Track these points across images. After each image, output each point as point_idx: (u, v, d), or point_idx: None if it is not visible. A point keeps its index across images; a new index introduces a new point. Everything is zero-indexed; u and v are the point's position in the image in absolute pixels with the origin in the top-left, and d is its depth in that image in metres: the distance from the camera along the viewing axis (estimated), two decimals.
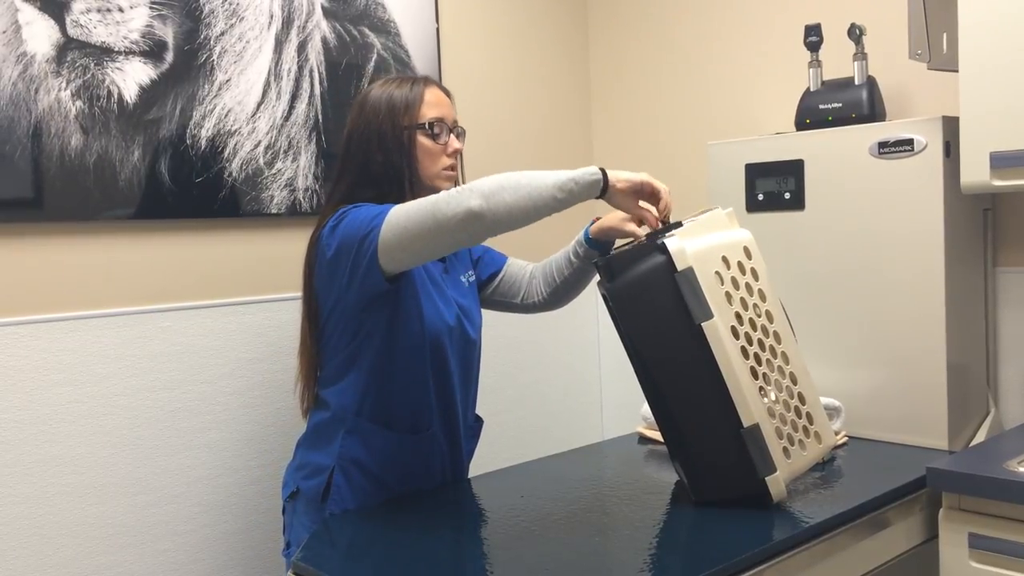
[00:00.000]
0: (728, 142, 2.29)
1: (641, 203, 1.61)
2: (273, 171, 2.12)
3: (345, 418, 1.69)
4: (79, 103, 1.83)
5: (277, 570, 2.12)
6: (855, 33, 2.10)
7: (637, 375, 1.62)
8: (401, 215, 1.51)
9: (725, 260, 1.54)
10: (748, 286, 1.56)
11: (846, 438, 2.03)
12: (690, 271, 1.50)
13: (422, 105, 1.71)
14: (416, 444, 1.72)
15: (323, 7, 2.20)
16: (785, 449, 1.56)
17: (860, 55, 2.10)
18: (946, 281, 1.92)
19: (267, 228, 2.13)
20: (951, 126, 1.90)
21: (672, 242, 1.52)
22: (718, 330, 1.50)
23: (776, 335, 1.58)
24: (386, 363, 1.67)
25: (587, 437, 2.73)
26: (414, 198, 1.62)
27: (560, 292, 1.93)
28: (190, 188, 1.99)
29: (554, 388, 2.74)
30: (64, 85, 1.81)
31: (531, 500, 1.68)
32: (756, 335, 1.55)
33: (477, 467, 1.93)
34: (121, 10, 1.88)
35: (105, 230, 1.89)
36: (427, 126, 1.70)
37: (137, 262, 1.94)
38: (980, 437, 2.00)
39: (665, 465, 1.90)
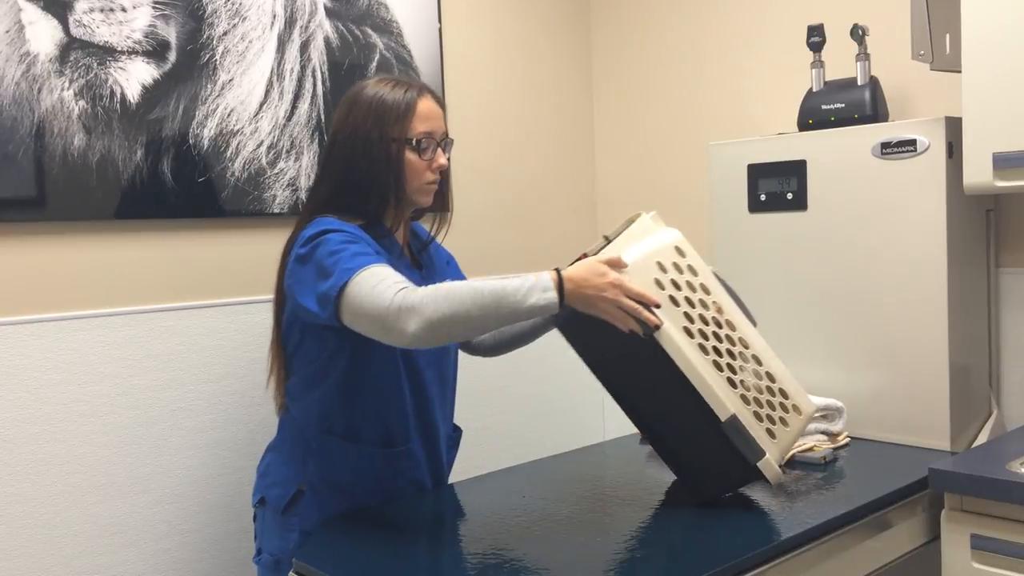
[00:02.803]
0: (730, 142, 2.28)
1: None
2: (275, 171, 2.12)
3: (312, 436, 1.66)
4: (82, 103, 1.83)
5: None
6: (858, 33, 2.10)
7: (614, 398, 1.63)
8: (356, 297, 1.45)
9: (660, 265, 1.53)
10: (689, 284, 1.55)
11: (848, 439, 2.03)
12: None
13: (413, 118, 1.63)
14: (391, 459, 1.68)
15: (326, 7, 2.20)
16: (769, 430, 1.56)
17: (863, 55, 2.10)
18: (948, 282, 1.92)
19: (269, 228, 2.13)
20: (954, 127, 1.89)
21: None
22: (671, 336, 1.50)
23: (729, 323, 1.57)
24: (356, 380, 1.63)
25: (588, 438, 2.73)
26: (395, 209, 1.66)
27: (506, 342, 1.87)
28: (192, 188, 1.99)
29: (555, 389, 2.74)
30: (67, 85, 1.81)
31: (532, 500, 1.68)
32: (710, 329, 1.55)
33: (479, 467, 1.94)
34: (124, 10, 1.88)
35: (107, 229, 1.90)
36: (415, 142, 1.64)
37: (139, 261, 1.94)
38: (982, 438, 2.00)
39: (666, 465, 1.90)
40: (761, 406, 1.56)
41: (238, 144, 2.06)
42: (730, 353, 1.55)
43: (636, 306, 1.47)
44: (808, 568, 1.52)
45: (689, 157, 2.66)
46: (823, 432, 1.99)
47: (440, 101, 1.71)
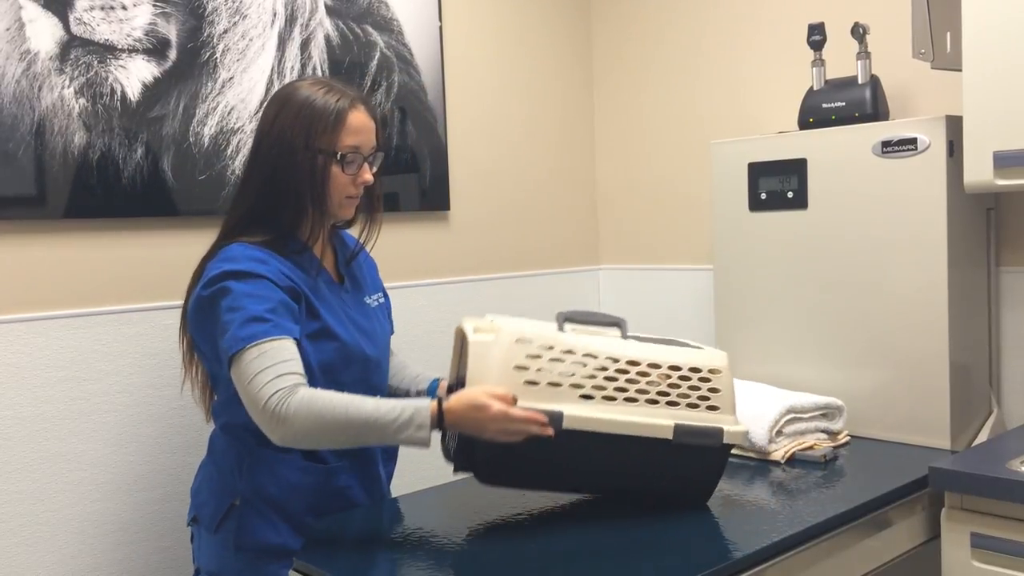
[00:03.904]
0: (731, 141, 2.28)
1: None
2: None
3: (244, 450, 1.60)
4: (82, 101, 1.83)
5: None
6: (858, 32, 2.09)
7: (571, 492, 1.61)
8: (239, 377, 1.44)
9: (519, 367, 1.48)
10: (554, 359, 1.50)
11: (848, 437, 2.03)
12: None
13: (341, 131, 1.57)
14: (323, 474, 1.61)
15: (326, 5, 2.20)
16: (709, 407, 1.54)
17: (863, 54, 2.10)
18: (949, 281, 1.92)
19: None
20: (954, 125, 1.89)
21: None
22: (577, 415, 1.47)
23: (611, 359, 1.52)
24: None
25: None
26: (312, 222, 1.60)
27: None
28: (193, 186, 1.99)
29: None
30: (67, 83, 1.81)
31: (533, 498, 1.68)
32: (600, 377, 1.51)
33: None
34: (124, 8, 1.88)
35: (108, 228, 1.90)
36: (340, 156, 1.57)
37: (140, 259, 1.94)
38: (983, 437, 2.00)
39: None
40: (688, 396, 1.54)
41: (239, 142, 2.06)
42: (630, 381, 1.52)
43: (523, 428, 1.44)
44: (808, 566, 1.52)
45: (690, 156, 2.66)
46: (823, 431, 1.99)
47: (374, 114, 1.65)
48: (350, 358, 1.61)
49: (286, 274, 1.55)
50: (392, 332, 1.83)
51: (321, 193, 1.58)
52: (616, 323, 1.61)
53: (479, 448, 1.49)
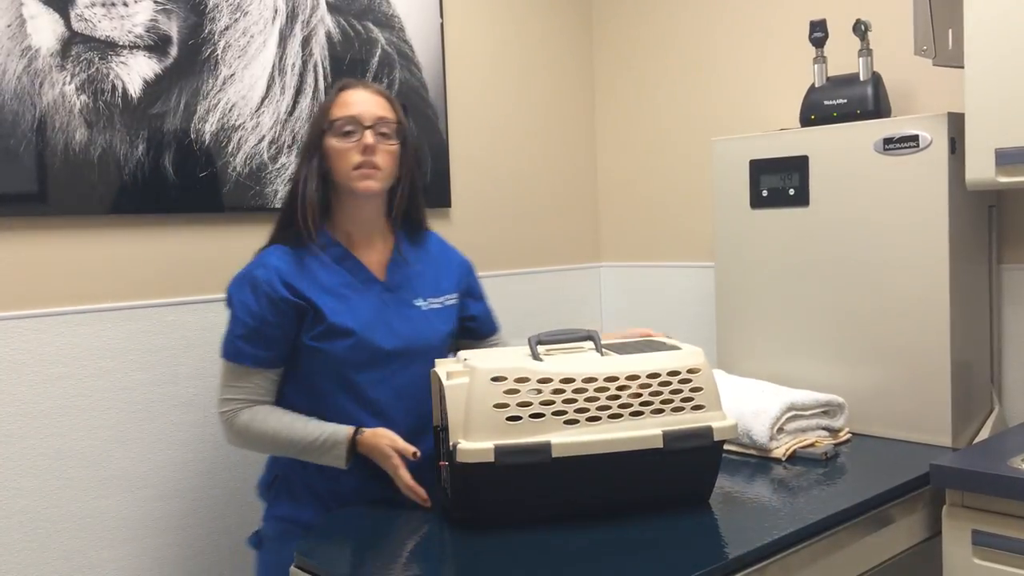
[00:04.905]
0: (732, 138, 2.28)
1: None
2: (277, 166, 2.12)
3: None
4: (83, 97, 1.83)
5: None
6: (860, 29, 2.09)
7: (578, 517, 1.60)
8: (220, 372, 1.68)
9: (499, 405, 1.47)
10: (534, 390, 1.49)
11: (849, 435, 2.03)
12: (493, 448, 1.45)
13: (333, 106, 1.68)
14: (342, 471, 1.66)
15: (327, 2, 2.20)
16: (694, 407, 1.54)
17: (865, 51, 2.10)
18: (950, 278, 1.92)
19: (271, 223, 2.12)
20: (956, 122, 1.89)
21: (459, 448, 1.45)
22: (562, 441, 1.47)
23: (588, 379, 1.50)
24: (310, 386, 1.68)
25: None
26: (345, 206, 1.70)
27: None
28: (194, 183, 1.99)
29: None
30: (68, 79, 1.81)
31: None
32: (581, 400, 1.49)
33: None
34: (125, 4, 1.88)
35: (109, 224, 1.90)
36: (328, 127, 1.66)
37: (141, 256, 1.94)
38: (984, 434, 2.00)
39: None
40: (671, 400, 1.53)
41: (239, 139, 2.06)
42: (612, 398, 1.51)
43: (410, 487, 1.58)
44: (809, 564, 1.52)
45: (691, 153, 2.66)
46: (824, 428, 1.99)
47: (379, 91, 1.72)
48: (363, 351, 1.66)
49: (286, 282, 1.64)
50: (486, 331, 1.93)
51: (325, 169, 1.67)
52: (589, 336, 1.60)
53: (476, 494, 1.49)
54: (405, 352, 1.70)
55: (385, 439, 1.59)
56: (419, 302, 1.76)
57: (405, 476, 1.57)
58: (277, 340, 1.65)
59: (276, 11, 2.11)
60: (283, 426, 1.62)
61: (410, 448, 1.58)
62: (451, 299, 1.82)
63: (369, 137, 1.65)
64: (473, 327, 1.89)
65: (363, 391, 1.67)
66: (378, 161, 1.66)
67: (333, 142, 1.66)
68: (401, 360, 1.70)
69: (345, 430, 1.60)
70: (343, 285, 1.68)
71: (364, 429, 1.62)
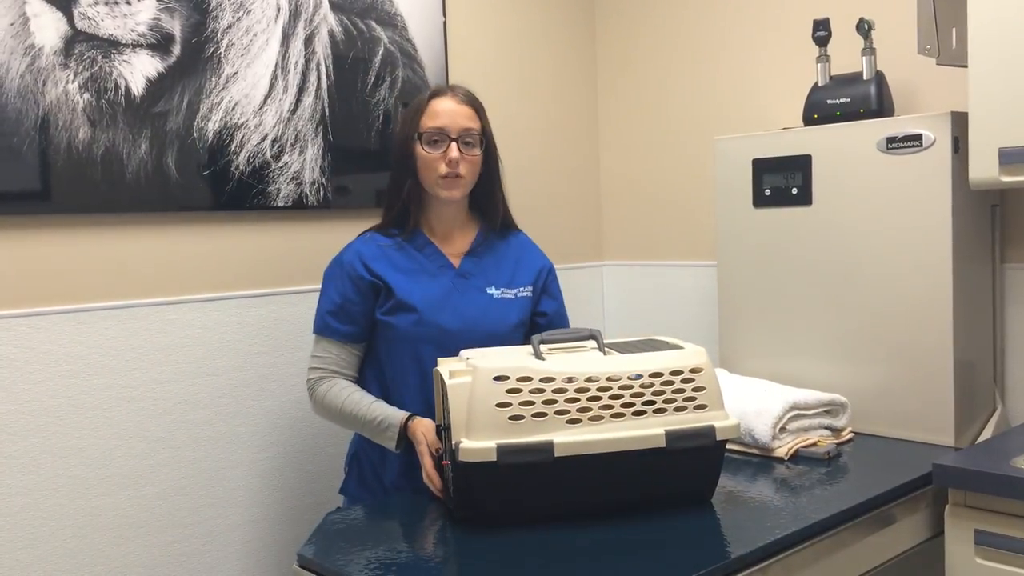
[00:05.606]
0: (735, 137, 2.28)
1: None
2: (280, 164, 2.12)
3: None
4: (86, 96, 1.83)
5: (282, 563, 2.13)
6: (863, 28, 2.09)
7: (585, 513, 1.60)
8: (313, 345, 1.87)
9: (502, 404, 1.47)
10: (535, 390, 1.48)
11: (852, 434, 2.02)
12: (496, 448, 1.46)
13: (423, 116, 1.80)
14: (404, 453, 1.75)
15: (330, 1, 2.20)
16: (697, 407, 1.53)
17: (868, 50, 2.09)
18: (953, 277, 1.92)
19: (273, 221, 2.13)
20: (960, 121, 1.89)
21: (462, 448, 1.46)
22: (565, 440, 1.47)
23: (590, 379, 1.51)
24: (382, 360, 1.84)
25: None
26: (428, 211, 1.86)
27: None
28: (197, 181, 1.99)
29: None
30: (72, 78, 1.81)
31: None
32: (583, 400, 1.50)
33: None
34: (128, 3, 1.88)
35: (112, 223, 1.90)
36: (419, 136, 1.79)
37: (143, 255, 1.94)
38: (987, 434, 1.99)
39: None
40: (673, 400, 1.53)
41: (242, 137, 2.06)
42: (614, 397, 1.51)
43: (429, 474, 1.65)
44: (811, 563, 1.52)
45: (694, 152, 2.66)
46: (827, 427, 1.98)
47: (467, 100, 1.84)
48: (428, 328, 1.79)
49: (366, 264, 1.81)
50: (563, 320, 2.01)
51: (414, 171, 1.81)
52: (592, 335, 1.61)
53: (479, 494, 1.49)
54: (470, 334, 1.79)
55: (423, 427, 1.68)
56: (491, 290, 1.87)
57: (428, 464, 1.65)
58: (358, 316, 1.81)
59: (279, 9, 2.11)
60: (352, 403, 1.77)
61: (436, 443, 1.65)
62: (524, 292, 1.90)
63: (454, 150, 1.78)
64: (543, 323, 1.95)
65: (429, 369, 1.75)
66: (462, 171, 1.79)
67: (421, 150, 1.79)
68: (467, 342, 1.76)
69: (400, 415, 1.72)
70: (418, 269, 1.83)
71: (416, 416, 1.72)
